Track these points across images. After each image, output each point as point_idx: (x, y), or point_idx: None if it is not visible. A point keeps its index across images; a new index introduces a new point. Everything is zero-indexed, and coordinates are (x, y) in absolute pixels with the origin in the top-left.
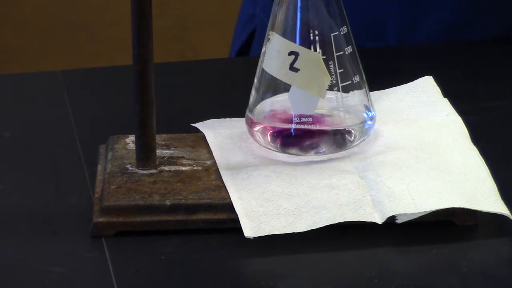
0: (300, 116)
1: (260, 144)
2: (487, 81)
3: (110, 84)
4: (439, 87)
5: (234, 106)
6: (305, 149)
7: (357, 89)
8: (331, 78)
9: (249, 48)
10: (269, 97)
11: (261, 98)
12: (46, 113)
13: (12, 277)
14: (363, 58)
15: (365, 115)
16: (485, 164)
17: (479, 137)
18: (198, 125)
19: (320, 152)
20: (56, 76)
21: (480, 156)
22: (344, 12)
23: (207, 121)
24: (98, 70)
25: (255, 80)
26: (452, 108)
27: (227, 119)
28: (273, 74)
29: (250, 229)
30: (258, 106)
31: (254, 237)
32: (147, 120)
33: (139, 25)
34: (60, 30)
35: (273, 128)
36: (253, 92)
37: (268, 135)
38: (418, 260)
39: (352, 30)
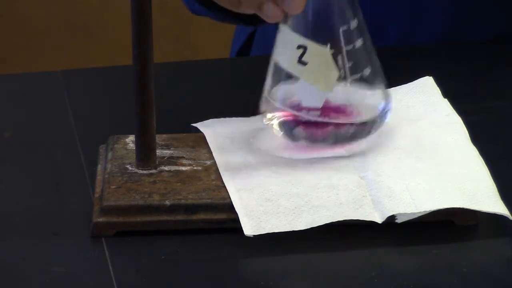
0: (311, 109)
1: (272, 133)
2: (487, 81)
3: (110, 84)
4: (439, 87)
5: (234, 106)
6: (313, 140)
7: (370, 82)
8: (340, 72)
9: (249, 48)
10: (283, 85)
11: (275, 85)
12: (46, 113)
13: (12, 277)
14: None
15: (380, 107)
16: (485, 164)
17: (479, 137)
18: (198, 125)
19: (335, 144)
20: (56, 76)
21: (480, 156)
22: (357, 5)
23: (207, 121)
24: (98, 70)
25: (268, 73)
26: (452, 108)
27: (227, 118)
28: (282, 66)
29: (250, 228)
30: (272, 94)
31: (254, 236)
32: (147, 120)
33: (139, 25)
34: (60, 30)
35: (292, 117)
36: (268, 81)
37: (279, 124)
38: (418, 260)
39: None
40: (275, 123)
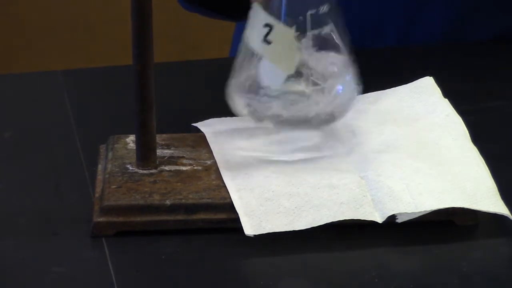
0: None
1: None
2: (487, 81)
3: (110, 84)
4: (439, 87)
5: None
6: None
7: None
8: (302, 54)
9: None
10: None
11: (243, 66)
12: (46, 113)
13: (12, 277)
14: (363, 58)
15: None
16: (485, 164)
17: (479, 137)
18: (198, 124)
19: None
20: (56, 76)
21: (480, 156)
22: None
23: (207, 120)
24: (98, 70)
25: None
26: (452, 108)
27: (227, 118)
28: (249, 44)
29: (250, 227)
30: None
31: (254, 235)
32: (147, 120)
33: (139, 25)
34: (60, 30)
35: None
36: (237, 60)
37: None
38: (418, 260)
39: (352, 30)
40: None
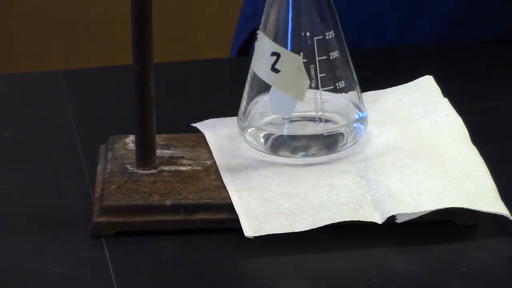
0: (291, 119)
1: (251, 146)
2: (487, 81)
3: (110, 84)
4: (439, 87)
5: (234, 106)
6: (296, 152)
7: (344, 93)
8: (311, 82)
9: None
10: (260, 99)
11: (252, 100)
12: (46, 113)
13: (12, 277)
14: (363, 58)
15: (356, 116)
16: (485, 164)
17: (479, 137)
18: (198, 125)
19: (309, 155)
20: (56, 76)
21: (480, 156)
22: (336, 17)
23: (207, 120)
24: (98, 70)
25: (246, 83)
26: (452, 108)
27: (227, 118)
28: (257, 73)
29: (250, 229)
30: (249, 109)
31: (254, 237)
32: (147, 120)
33: (139, 25)
34: (60, 30)
35: (264, 131)
36: (244, 95)
37: (261, 137)
38: (418, 260)
39: (351, 29)
40: (256, 138)
